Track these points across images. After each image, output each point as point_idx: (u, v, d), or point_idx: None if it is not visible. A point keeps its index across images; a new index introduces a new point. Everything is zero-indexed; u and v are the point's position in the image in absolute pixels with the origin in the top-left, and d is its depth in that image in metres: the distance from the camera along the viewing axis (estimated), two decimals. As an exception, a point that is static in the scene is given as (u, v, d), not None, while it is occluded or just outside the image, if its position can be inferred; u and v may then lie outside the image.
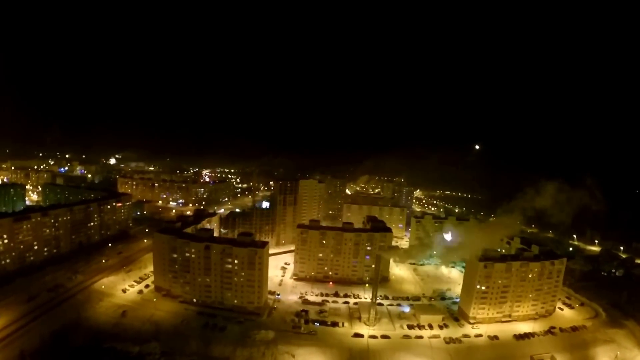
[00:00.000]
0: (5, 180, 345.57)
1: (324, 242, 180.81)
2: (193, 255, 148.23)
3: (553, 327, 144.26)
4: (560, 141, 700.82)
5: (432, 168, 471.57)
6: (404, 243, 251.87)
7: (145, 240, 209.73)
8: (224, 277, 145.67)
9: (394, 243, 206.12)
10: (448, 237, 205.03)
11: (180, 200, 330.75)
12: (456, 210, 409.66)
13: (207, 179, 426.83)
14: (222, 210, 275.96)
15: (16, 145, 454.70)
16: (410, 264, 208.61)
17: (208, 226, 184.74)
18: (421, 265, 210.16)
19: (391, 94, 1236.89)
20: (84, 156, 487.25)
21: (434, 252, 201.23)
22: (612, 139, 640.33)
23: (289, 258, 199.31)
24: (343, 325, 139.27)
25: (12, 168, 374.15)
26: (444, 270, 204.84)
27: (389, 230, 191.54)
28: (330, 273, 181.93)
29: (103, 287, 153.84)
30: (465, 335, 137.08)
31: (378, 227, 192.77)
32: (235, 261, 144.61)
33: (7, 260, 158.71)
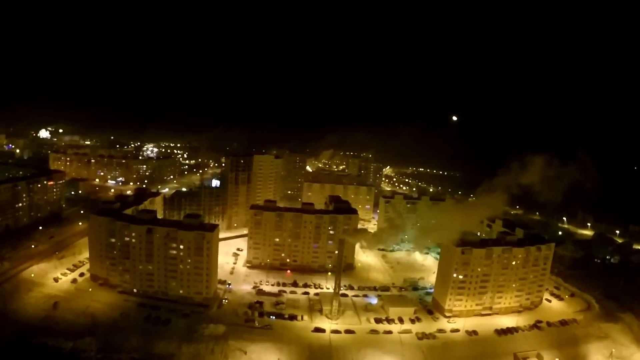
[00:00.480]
0: None
1: (281, 225, 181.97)
2: (133, 240, 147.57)
3: (539, 321, 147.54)
4: (549, 111, 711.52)
5: (403, 142, 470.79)
6: (371, 226, 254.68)
7: (80, 223, 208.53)
8: (168, 264, 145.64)
9: (360, 226, 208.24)
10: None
11: (120, 179, 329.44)
12: (431, 190, 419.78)
13: (150, 154, 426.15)
14: (167, 190, 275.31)
15: None
16: (379, 249, 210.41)
17: (151, 207, 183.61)
18: (391, 251, 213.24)
19: (357, 61, 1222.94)
20: (11, 129, 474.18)
21: (406, 236, 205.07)
22: (608, 109, 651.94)
23: (242, 243, 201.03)
24: (302, 318, 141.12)
25: None
26: (417, 257, 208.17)
27: (355, 211, 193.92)
28: (288, 260, 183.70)
29: (32, 275, 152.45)
30: (440, 330, 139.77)
31: (342, 208, 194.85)
32: (181, 246, 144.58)
33: None
